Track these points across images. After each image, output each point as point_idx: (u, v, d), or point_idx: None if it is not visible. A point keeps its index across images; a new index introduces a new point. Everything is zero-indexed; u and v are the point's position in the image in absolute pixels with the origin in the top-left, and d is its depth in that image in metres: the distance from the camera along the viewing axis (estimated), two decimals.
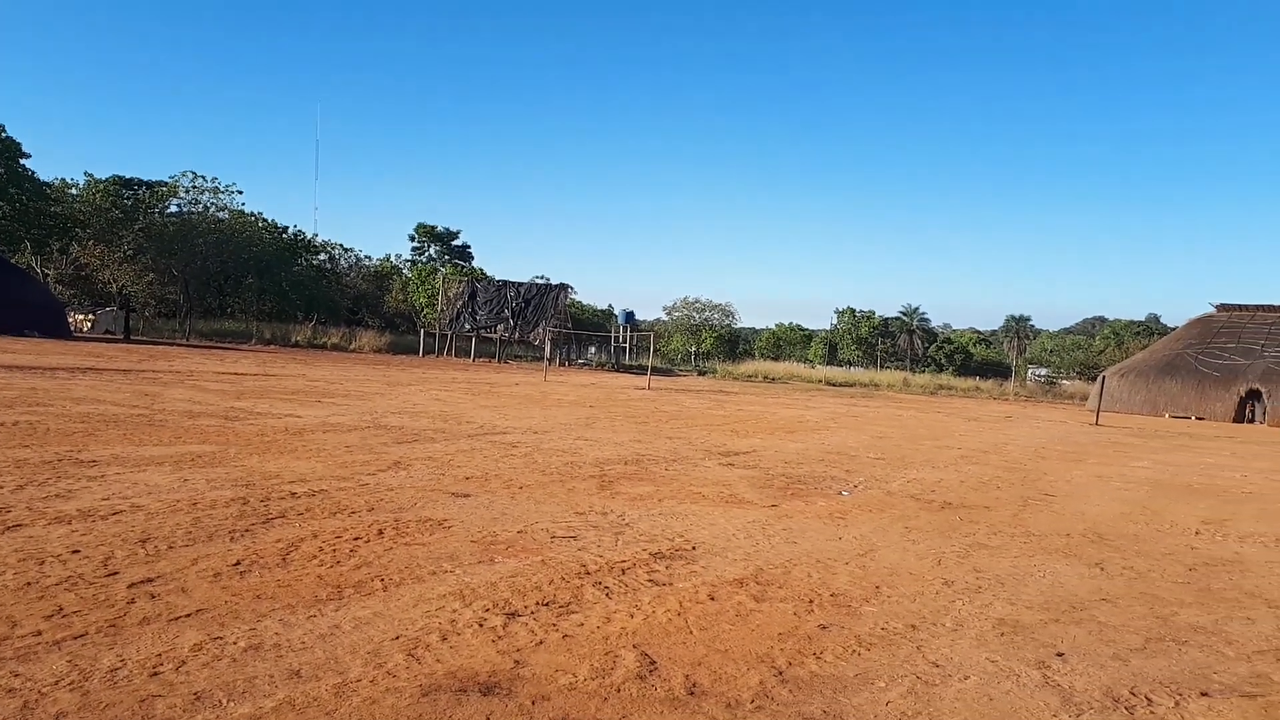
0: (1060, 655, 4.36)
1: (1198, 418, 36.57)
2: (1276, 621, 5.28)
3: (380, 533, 5.90)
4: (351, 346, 46.26)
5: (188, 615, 4.01)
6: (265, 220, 56.03)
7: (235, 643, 3.71)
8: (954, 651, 4.31)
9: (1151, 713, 3.70)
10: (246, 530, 5.69)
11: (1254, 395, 36.70)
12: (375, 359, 38.68)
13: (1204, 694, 3.95)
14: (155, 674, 3.32)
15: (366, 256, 65.99)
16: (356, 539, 5.68)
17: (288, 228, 58.11)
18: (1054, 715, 3.60)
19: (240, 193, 59.01)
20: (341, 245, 64.70)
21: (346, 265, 64.59)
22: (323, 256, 62.23)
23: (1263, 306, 41.27)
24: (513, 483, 8.32)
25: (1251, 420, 36.28)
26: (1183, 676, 4.17)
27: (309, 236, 60.47)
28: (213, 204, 51.74)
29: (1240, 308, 41.94)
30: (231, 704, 3.11)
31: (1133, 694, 3.89)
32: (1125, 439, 21.34)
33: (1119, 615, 5.18)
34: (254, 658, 3.57)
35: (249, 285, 53.69)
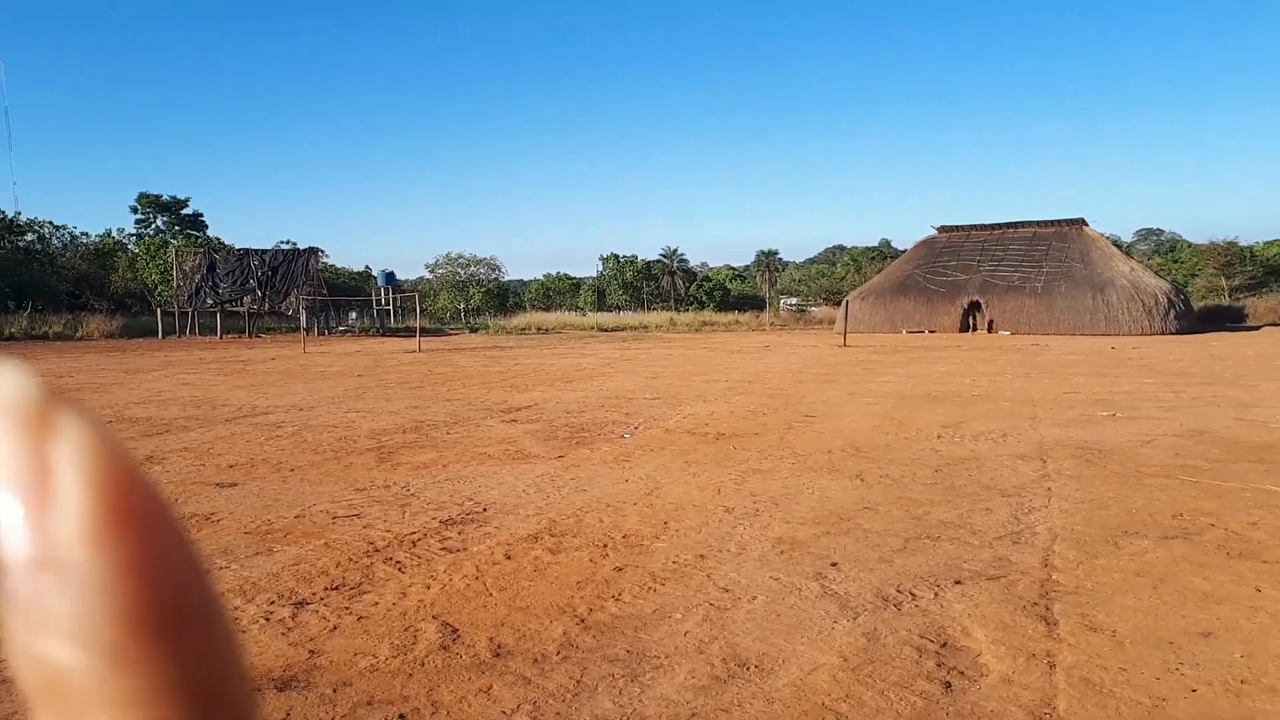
0: (834, 565, 4.72)
1: (930, 331, 40.32)
2: (1010, 509, 5.96)
3: None
4: (78, 334, 41.84)
5: None
6: None
7: None
8: (740, 575, 4.56)
9: (916, 605, 4.09)
10: None
11: (975, 306, 40.88)
12: (108, 345, 35.24)
13: (958, 582, 4.42)
14: None
15: (83, 234, 59.52)
16: None
17: None
18: (834, 622, 3.90)
19: None
20: (51, 223, 57.89)
21: (60, 245, 58.02)
22: (30, 237, 55.51)
23: (976, 226, 45.81)
24: (282, 465, 7.89)
25: (975, 329, 40.44)
26: (939, 569, 4.63)
27: (10, 216, 53.74)
28: None
29: (958, 228, 46.34)
30: None
31: (899, 591, 4.29)
32: (870, 357, 23.19)
33: (880, 521, 5.67)
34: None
35: None
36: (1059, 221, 43.11)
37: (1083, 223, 42.58)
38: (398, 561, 4.86)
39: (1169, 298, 36.90)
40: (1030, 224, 43.89)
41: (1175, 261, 70.35)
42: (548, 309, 74.39)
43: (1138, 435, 9.10)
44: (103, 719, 0.15)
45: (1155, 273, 43.06)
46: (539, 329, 50.53)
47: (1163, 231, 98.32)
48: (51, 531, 0.15)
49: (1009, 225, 44.58)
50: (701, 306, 73.32)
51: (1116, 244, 49.53)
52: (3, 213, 53.07)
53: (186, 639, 0.16)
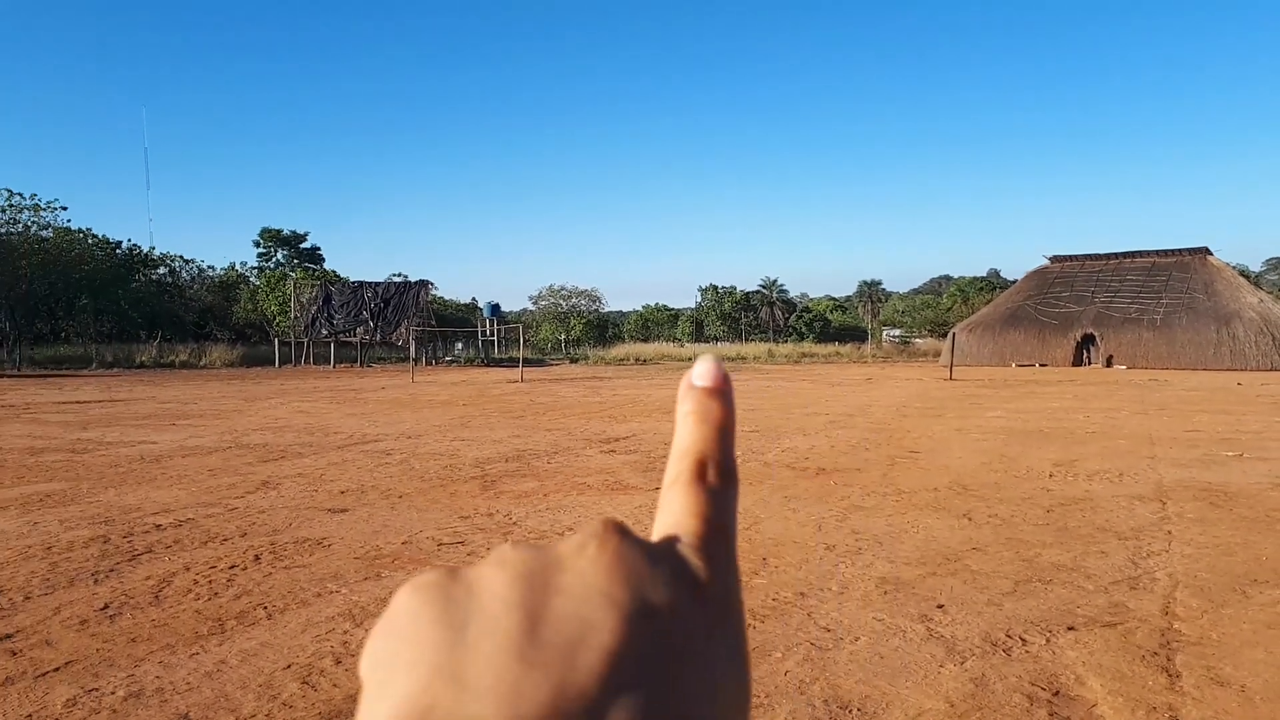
0: (940, 607, 4.59)
1: (1041, 364, 38.99)
2: (1127, 553, 5.71)
3: (257, 558, 5.67)
4: (202, 363, 44.05)
5: (56, 669, 3.76)
6: (95, 236, 52.50)
7: (113, 692, 3.51)
8: (842, 614, 4.48)
9: (1027, 651, 3.95)
10: (111, 570, 5.37)
11: (1089, 339, 39.39)
12: (229, 374, 36.97)
13: (1070, 628, 4.24)
14: None
15: (210, 267, 62.81)
16: (233, 567, 5.44)
17: (121, 243, 54.50)
18: (940, 666, 3.80)
19: (64, 209, 55.05)
20: (182, 257, 61.18)
21: (189, 278, 61.29)
22: (162, 270, 58.84)
23: (1090, 256, 44.25)
24: (391, 492, 8.13)
25: (1089, 363, 38.93)
26: (1051, 614, 4.46)
27: (145, 250, 57.05)
28: (33, 222, 48.20)
29: (1071, 258, 44.85)
30: None
31: (1008, 636, 4.14)
32: (978, 391, 22.55)
33: (989, 562, 5.50)
34: (136, 706, 3.38)
35: (83, 306, 50.34)
36: (1180, 251, 41.29)
37: (1206, 252, 40.67)
38: None
39: None
40: (1149, 253, 42.16)
41: None
42: (646, 340, 74.81)
43: (1268, 477, 8.60)
44: (720, 417, 0.37)
45: None
46: (637, 360, 50.87)
47: None
48: (718, 380, 0.38)
49: (1125, 255, 42.91)
50: (801, 338, 72.61)
51: (1244, 274, 47.19)
52: (139, 248, 56.34)
53: (731, 419, 0.37)
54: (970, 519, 6.78)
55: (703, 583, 0.31)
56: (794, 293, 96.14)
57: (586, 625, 0.28)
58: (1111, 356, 37.98)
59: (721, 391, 0.38)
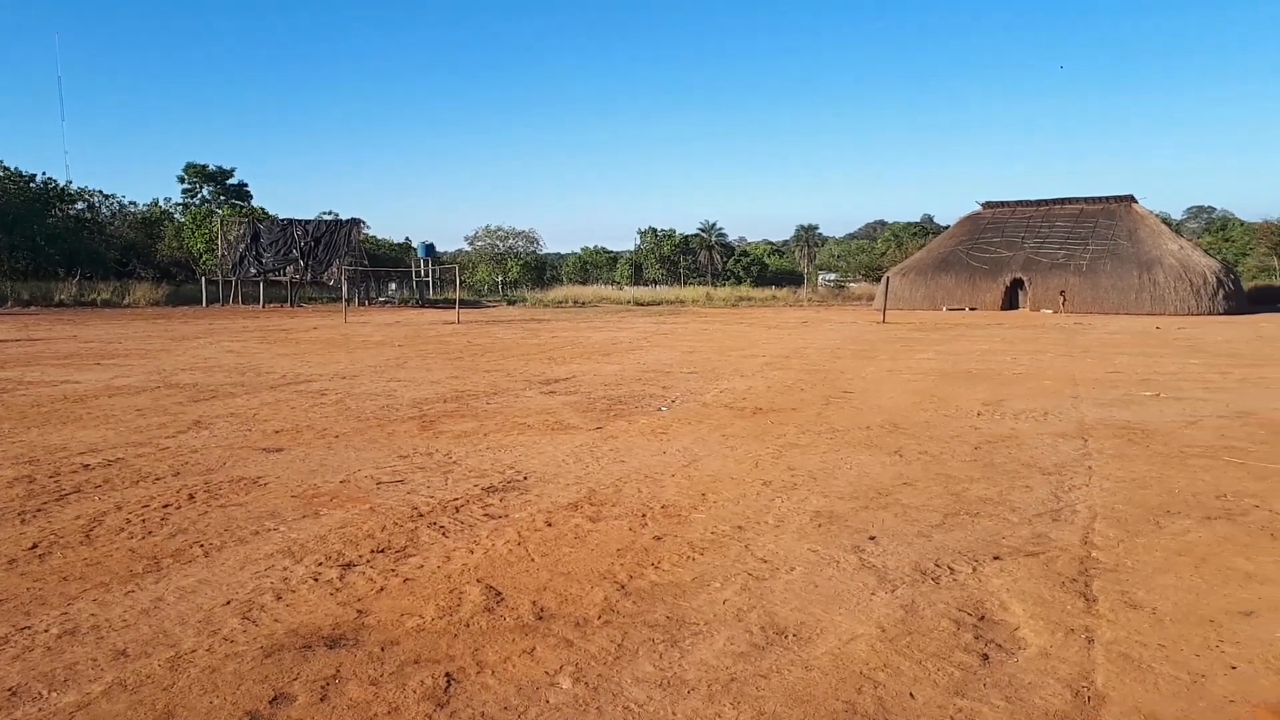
0: (872, 539, 4.74)
1: (971, 309, 39.83)
2: (1050, 487, 5.94)
3: (191, 497, 5.59)
4: (126, 301, 42.55)
5: None
6: (6, 168, 50.07)
7: (47, 630, 3.45)
8: (779, 546, 4.60)
9: (954, 580, 4.11)
10: (39, 510, 5.24)
11: (1018, 284, 40.28)
12: (154, 313, 35.86)
13: (996, 558, 4.42)
14: None
15: (131, 203, 60.19)
16: (166, 506, 5.36)
17: (34, 176, 52.02)
18: (872, 593, 3.93)
19: None
20: (101, 192, 58.54)
21: (109, 214, 58.80)
22: (80, 205, 56.27)
23: (1022, 202, 44.98)
24: (327, 432, 8.04)
25: (1017, 307, 39.87)
26: (978, 545, 4.63)
27: (62, 184, 54.53)
28: None
29: (1003, 204, 45.53)
30: (54, 694, 2.91)
31: (937, 565, 4.30)
32: (910, 334, 22.99)
33: (919, 496, 5.67)
34: (71, 643, 3.34)
35: None
36: (1107, 198, 42.24)
37: (1131, 199, 41.69)
38: (441, 526, 4.96)
39: (1218, 277, 36.07)
40: (1077, 200, 43.05)
41: (1226, 240, 68.77)
42: (584, 282, 74.43)
43: (1182, 416, 8.98)
44: None
45: (1205, 251, 42.12)
46: (575, 302, 50.61)
47: (1214, 209, 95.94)
48: None
49: (1055, 201, 43.75)
50: (739, 281, 72.90)
51: (1166, 221, 48.48)
52: (55, 182, 53.88)
53: None
54: (901, 456, 6.97)
55: None
56: (732, 236, 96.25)
57: None
58: (1037, 299, 38.93)
59: None
